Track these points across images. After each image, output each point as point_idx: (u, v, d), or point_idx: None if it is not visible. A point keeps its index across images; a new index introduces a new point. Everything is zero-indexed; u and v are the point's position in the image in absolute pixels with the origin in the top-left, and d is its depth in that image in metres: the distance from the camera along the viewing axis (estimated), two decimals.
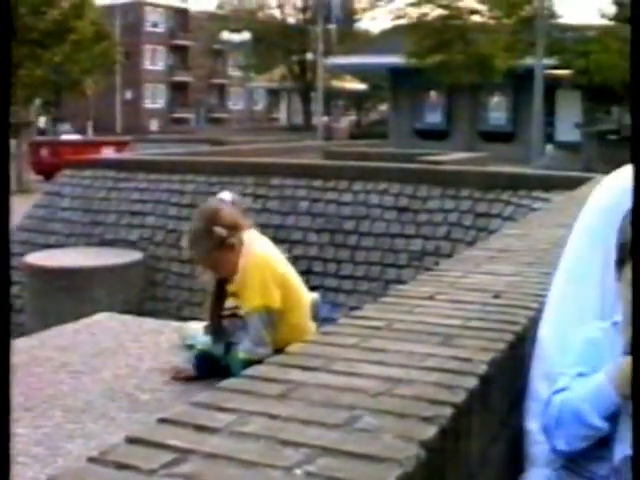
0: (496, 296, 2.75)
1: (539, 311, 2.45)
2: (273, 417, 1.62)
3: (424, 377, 1.87)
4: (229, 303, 4.60)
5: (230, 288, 4.58)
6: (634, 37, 1.32)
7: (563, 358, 2.14)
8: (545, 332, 2.32)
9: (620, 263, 2.03)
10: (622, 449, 1.90)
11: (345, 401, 1.71)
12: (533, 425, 2.24)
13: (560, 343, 2.23)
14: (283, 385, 1.80)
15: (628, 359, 1.88)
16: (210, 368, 4.42)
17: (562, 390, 1.97)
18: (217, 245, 4.47)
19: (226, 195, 4.67)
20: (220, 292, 4.62)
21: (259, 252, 4.53)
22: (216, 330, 4.63)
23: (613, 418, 1.90)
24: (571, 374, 1.99)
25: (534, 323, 2.41)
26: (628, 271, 1.97)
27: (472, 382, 1.88)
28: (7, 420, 1.03)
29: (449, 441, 1.68)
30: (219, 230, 4.44)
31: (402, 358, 2.00)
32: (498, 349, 2.15)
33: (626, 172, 2.31)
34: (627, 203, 2.14)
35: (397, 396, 1.75)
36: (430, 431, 1.58)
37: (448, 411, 1.69)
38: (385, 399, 1.73)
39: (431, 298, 2.67)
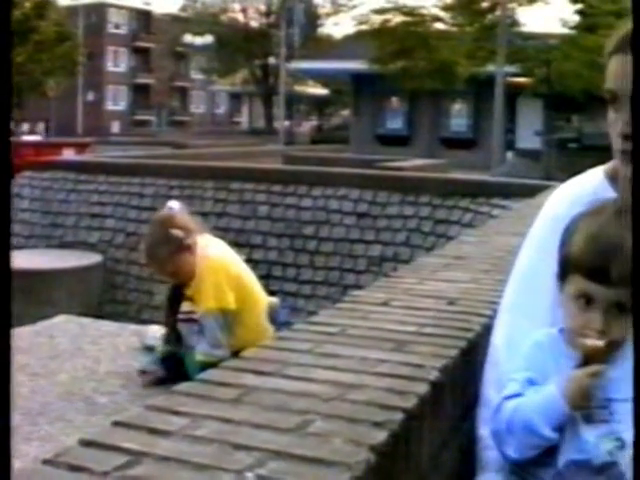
0: (450, 303, 2.78)
1: (493, 318, 2.46)
2: (226, 421, 1.64)
3: (376, 383, 1.90)
4: (185, 307, 4.63)
5: (187, 292, 4.61)
6: (634, 38, 1.34)
7: (512, 363, 2.17)
8: (497, 339, 2.34)
9: (562, 277, 2.05)
10: (566, 455, 1.94)
11: (298, 406, 1.73)
12: (485, 431, 2.27)
13: (511, 350, 2.26)
14: (237, 389, 1.82)
15: (578, 372, 1.92)
16: (176, 369, 4.44)
17: (513, 396, 1.98)
18: (176, 248, 4.50)
19: (174, 204, 4.74)
20: (175, 298, 4.65)
21: (213, 255, 4.58)
22: (172, 337, 4.65)
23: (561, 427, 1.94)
24: (520, 380, 2.00)
25: (487, 330, 2.43)
26: (570, 286, 2.01)
27: (423, 388, 1.91)
28: (7, 420, 1.04)
29: (400, 446, 1.71)
30: (176, 232, 4.49)
31: (355, 364, 2.03)
32: (450, 355, 2.18)
33: (580, 181, 2.35)
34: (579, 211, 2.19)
35: (349, 401, 1.77)
36: (380, 436, 1.61)
37: (399, 416, 1.71)
38: (337, 404, 1.75)
39: (386, 304, 2.69)
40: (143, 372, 4.57)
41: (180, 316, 4.64)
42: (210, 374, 1.94)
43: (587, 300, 1.96)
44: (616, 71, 2.13)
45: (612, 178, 2.26)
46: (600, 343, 1.91)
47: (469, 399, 2.36)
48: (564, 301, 2.04)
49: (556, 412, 1.90)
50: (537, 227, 2.37)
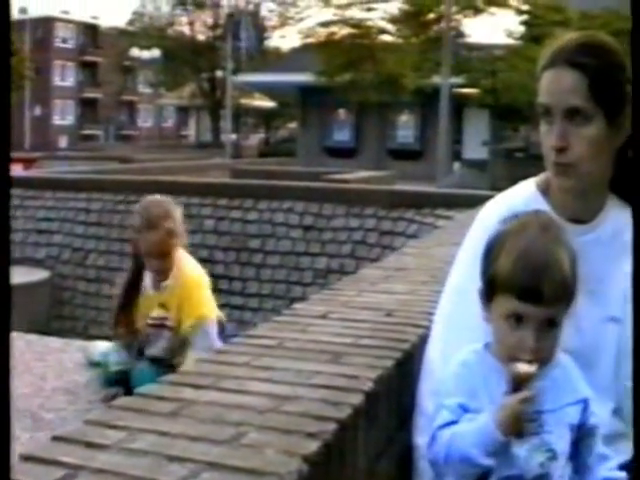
0: (388, 314, 2.82)
1: (429, 329, 2.49)
2: (162, 434, 1.67)
3: (311, 394, 1.93)
4: (157, 313, 4.63)
5: (159, 298, 4.61)
6: (634, 39, 1.37)
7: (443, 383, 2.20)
8: (431, 350, 2.38)
9: (489, 296, 2.06)
10: (498, 473, 1.97)
11: (232, 418, 1.76)
12: (422, 440, 2.30)
13: (446, 361, 2.29)
14: (174, 403, 1.85)
15: (509, 400, 1.92)
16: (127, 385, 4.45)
17: (446, 425, 1.99)
18: (175, 232, 4.60)
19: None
20: (134, 291, 4.67)
21: (198, 272, 4.66)
22: (128, 342, 4.64)
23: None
24: (452, 407, 2.01)
25: (424, 340, 2.46)
26: (499, 306, 2.02)
27: (358, 398, 1.94)
28: (7, 420, 1.06)
29: (333, 456, 1.74)
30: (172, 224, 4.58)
31: (291, 376, 2.06)
32: (385, 366, 2.22)
33: (512, 193, 2.40)
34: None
35: (283, 413, 1.81)
36: (313, 446, 1.64)
37: (332, 427, 1.75)
38: (272, 416, 1.79)
39: (324, 317, 2.72)
40: (111, 398, 4.51)
41: (150, 321, 4.64)
42: (148, 388, 1.97)
43: (517, 319, 1.98)
44: (548, 85, 2.19)
45: (544, 190, 2.32)
46: (532, 369, 1.92)
47: (405, 409, 2.39)
48: (492, 319, 2.06)
49: (491, 441, 1.91)
50: (470, 239, 2.40)
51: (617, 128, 2.19)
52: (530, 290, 1.95)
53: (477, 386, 2.03)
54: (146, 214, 4.71)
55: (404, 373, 2.37)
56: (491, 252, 2.07)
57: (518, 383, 1.92)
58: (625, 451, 2.28)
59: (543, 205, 2.28)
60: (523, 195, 2.34)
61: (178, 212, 4.78)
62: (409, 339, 2.51)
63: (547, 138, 2.20)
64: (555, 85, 2.17)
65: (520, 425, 1.91)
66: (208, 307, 4.66)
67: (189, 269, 4.71)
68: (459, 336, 2.28)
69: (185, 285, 4.60)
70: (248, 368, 2.12)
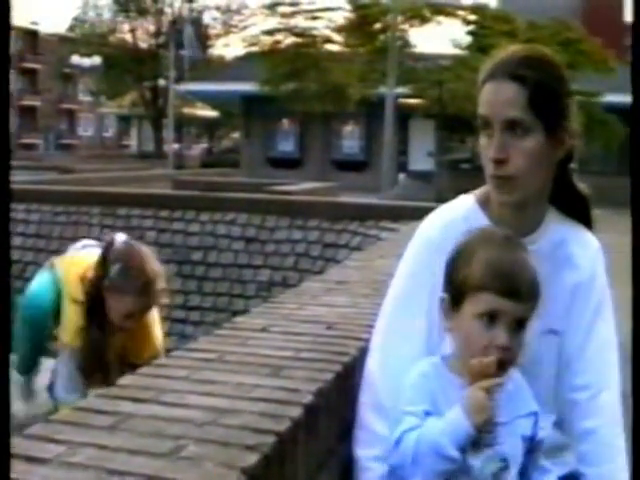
0: (329, 327, 2.84)
1: (370, 342, 2.51)
2: (102, 447, 1.68)
3: (250, 407, 1.94)
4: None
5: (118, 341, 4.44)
6: (635, 41, 1.38)
7: (394, 391, 2.21)
8: (371, 363, 2.39)
9: (457, 301, 2.11)
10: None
11: (172, 431, 1.77)
12: (363, 452, 2.31)
13: (386, 373, 2.31)
14: (113, 417, 1.85)
15: (474, 388, 1.99)
16: None
17: (413, 429, 2.03)
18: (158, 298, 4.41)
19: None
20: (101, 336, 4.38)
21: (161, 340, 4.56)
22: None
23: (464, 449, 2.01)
24: (417, 412, 2.04)
25: (364, 353, 2.48)
26: (474, 306, 2.07)
27: (297, 411, 1.96)
28: (7, 421, 1.06)
29: (272, 468, 1.75)
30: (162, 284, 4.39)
31: (230, 389, 2.08)
32: (325, 379, 2.23)
33: (451, 206, 2.42)
34: (452, 236, 2.27)
35: (222, 426, 1.82)
36: (252, 459, 1.66)
37: (271, 439, 1.77)
38: (211, 429, 1.80)
39: (264, 330, 2.74)
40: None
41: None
42: (87, 402, 1.98)
43: (491, 317, 2.04)
44: (488, 97, 2.22)
45: (483, 203, 2.35)
46: (492, 358, 1.99)
47: (346, 421, 2.41)
48: (457, 326, 2.11)
49: (461, 430, 1.96)
50: (410, 251, 2.42)
51: (556, 141, 2.22)
52: (510, 285, 2.03)
53: (438, 398, 2.06)
54: (143, 277, 4.25)
55: (344, 386, 2.39)
56: (457, 262, 2.13)
57: (477, 376, 2.00)
58: (566, 463, 2.32)
59: (482, 218, 2.31)
60: (462, 208, 2.36)
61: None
62: (349, 352, 2.53)
63: (486, 150, 2.22)
64: (494, 97, 2.20)
65: (487, 413, 1.98)
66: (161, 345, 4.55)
67: (158, 338, 4.58)
68: (398, 347, 2.30)
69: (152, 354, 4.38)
70: (188, 381, 2.13)
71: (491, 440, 2.02)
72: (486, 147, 2.22)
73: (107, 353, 4.36)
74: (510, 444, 2.05)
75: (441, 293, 2.17)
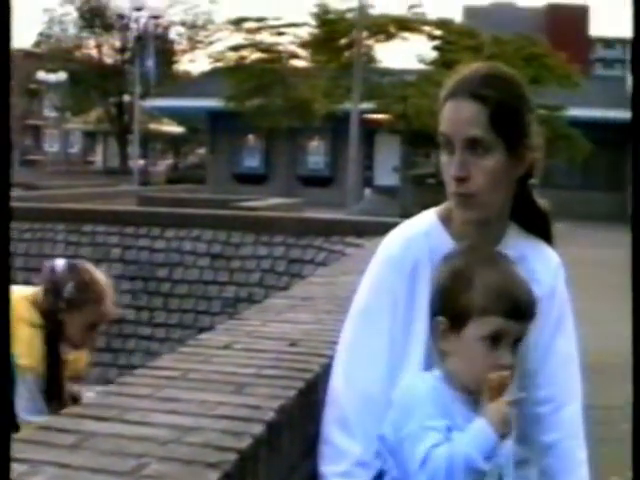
0: (292, 344, 2.85)
1: (333, 358, 2.52)
2: (64, 466, 1.68)
3: (213, 425, 1.95)
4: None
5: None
6: (635, 38, 1.38)
7: (359, 408, 2.24)
8: (335, 379, 2.40)
9: (459, 324, 2.12)
10: None
11: (135, 450, 1.78)
12: (327, 468, 2.32)
13: (350, 390, 2.32)
14: (76, 435, 1.86)
15: (497, 403, 2.01)
16: None
17: (439, 444, 2.02)
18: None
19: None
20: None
21: None
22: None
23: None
24: (440, 428, 2.04)
25: (328, 370, 2.49)
26: (479, 329, 2.09)
27: (259, 428, 1.97)
28: (7, 421, 1.06)
29: None
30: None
31: (194, 407, 2.08)
32: (288, 396, 2.25)
33: (413, 223, 2.44)
34: (414, 253, 2.29)
35: (185, 444, 1.83)
36: (213, 476, 1.67)
37: (233, 457, 1.78)
38: (174, 447, 1.81)
39: (228, 347, 2.74)
40: None
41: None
42: (50, 421, 1.98)
43: (495, 339, 2.07)
44: (449, 115, 2.23)
45: (445, 220, 2.36)
46: (507, 374, 2.05)
47: (310, 438, 2.42)
48: (463, 345, 2.12)
49: (490, 442, 1.98)
50: (372, 268, 2.43)
51: (517, 159, 2.24)
52: (514, 307, 2.08)
53: (451, 410, 2.08)
54: (97, 286, 4.23)
55: (308, 403, 2.40)
56: (454, 286, 2.15)
57: (497, 391, 2.02)
58: (528, 477, 2.35)
59: (444, 235, 2.32)
60: (423, 225, 2.37)
61: None
62: (312, 369, 2.54)
63: (448, 168, 2.24)
64: (455, 115, 2.22)
65: (508, 425, 2.02)
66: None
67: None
68: (362, 364, 2.31)
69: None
70: (151, 400, 2.14)
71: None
72: (447, 164, 2.24)
73: (63, 377, 4.39)
74: (504, 457, 2.09)
75: (437, 316, 2.17)
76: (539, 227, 2.44)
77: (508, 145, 2.22)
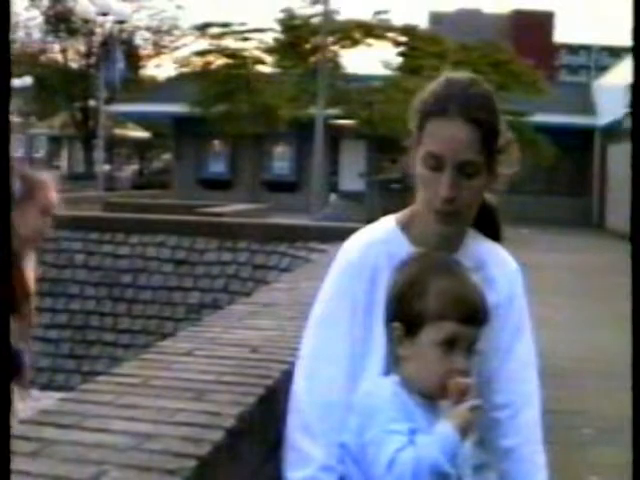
0: (253, 351, 2.87)
1: (294, 364, 2.50)
2: (24, 474, 1.69)
3: (173, 432, 1.97)
4: None
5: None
6: (635, 38, 1.38)
7: (322, 413, 2.24)
8: (297, 385, 2.40)
9: (414, 330, 2.14)
10: None
11: (94, 457, 1.79)
12: (293, 474, 2.32)
13: (313, 395, 2.32)
14: (36, 443, 1.87)
15: (460, 408, 2.03)
16: None
17: (404, 448, 2.02)
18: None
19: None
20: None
21: None
22: None
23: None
24: (404, 431, 2.05)
25: (289, 376, 2.50)
26: (433, 335, 2.11)
27: (218, 435, 1.99)
28: (7, 421, 1.07)
29: None
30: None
31: (154, 414, 2.10)
32: (248, 402, 2.27)
33: (372, 229, 2.45)
34: (373, 259, 2.31)
35: (145, 451, 1.84)
36: None
37: (192, 463, 1.80)
38: (133, 454, 1.82)
39: (189, 354, 2.76)
40: None
41: None
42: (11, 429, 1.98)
43: (450, 343, 2.09)
44: (442, 136, 2.22)
45: (404, 226, 2.38)
46: (470, 380, 2.08)
47: (270, 444, 2.44)
48: (419, 351, 2.14)
49: (454, 445, 2.00)
50: (332, 274, 2.44)
51: (494, 175, 2.30)
52: (469, 312, 2.11)
53: (414, 414, 2.10)
54: (38, 176, 4.61)
55: (268, 409, 2.42)
56: (409, 293, 2.17)
57: (459, 395, 2.05)
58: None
59: (403, 241, 2.33)
60: (382, 231, 2.38)
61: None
62: (273, 375, 2.56)
63: (431, 183, 2.23)
64: (450, 137, 2.20)
65: (472, 429, 2.06)
66: None
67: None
68: (323, 370, 2.31)
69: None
70: (112, 407, 2.15)
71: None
72: (431, 180, 2.23)
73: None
74: (461, 458, 2.11)
75: (393, 322, 2.19)
76: (488, 223, 2.46)
77: (490, 165, 2.26)
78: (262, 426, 2.39)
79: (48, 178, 4.62)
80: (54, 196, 4.56)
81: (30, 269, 4.57)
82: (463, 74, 2.39)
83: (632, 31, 1.47)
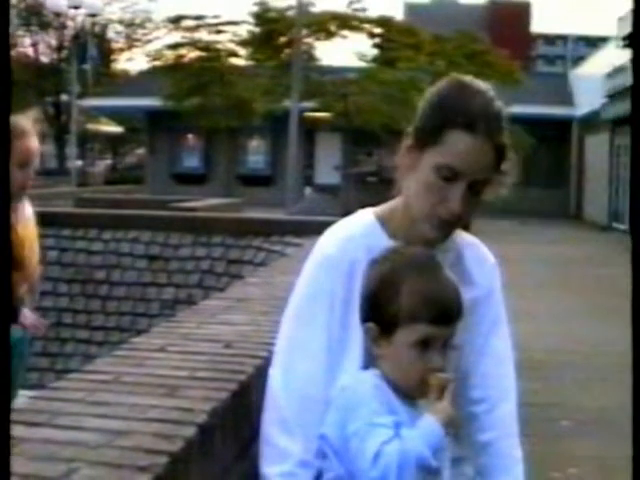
0: (227, 346, 2.85)
1: (268, 359, 2.52)
2: None
3: (144, 428, 1.96)
4: None
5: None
6: (635, 37, 1.37)
7: (299, 408, 2.24)
8: (274, 380, 2.38)
9: (389, 331, 2.14)
10: None
11: (65, 454, 1.78)
12: (270, 469, 2.31)
13: (289, 390, 2.31)
14: None
15: (443, 404, 2.04)
16: None
17: (390, 441, 2.02)
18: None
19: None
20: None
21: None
22: None
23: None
24: (388, 424, 2.05)
25: (262, 371, 2.50)
26: (408, 335, 2.10)
27: (190, 431, 1.98)
28: (7, 420, 1.05)
29: None
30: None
31: (126, 410, 2.09)
32: (221, 398, 2.26)
33: (350, 222, 2.44)
34: (351, 253, 2.30)
35: (116, 447, 1.84)
36: None
37: (164, 460, 1.79)
38: (105, 451, 1.81)
39: (162, 350, 2.75)
40: None
41: None
42: None
43: (424, 343, 2.09)
44: (467, 152, 2.20)
45: (383, 220, 2.37)
46: (449, 376, 2.09)
47: (243, 440, 2.43)
48: (394, 351, 2.13)
49: (439, 439, 2.00)
50: (308, 268, 2.43)
51: (491, 190, 2.32)
52: (442, 313, 2.10)
53: (396, 407, 2.10)
54: (18, 123, 4.46)
55: (241, 404, 2.42)
56: (383, 293, 2.16)
57: (440, 391, 2.06)
58: (465, 475, 2.37)
59: (381, 235, 2.33)
60: (360, 225, 2.37)
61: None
62: (246, 370, 2.55)
63: (439, 192, 2.21)
64: (474, 158, 2.20)
65: (455, 424, 2.08)
66: None
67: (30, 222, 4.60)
68: (300, 364, 2.30)
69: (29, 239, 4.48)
70: (83, 404, 2.14)
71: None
72: (440, 190, 2.21)
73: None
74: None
75: (367, 322, 2.18)
76: None
77: (491, 182, 2.28)
78: (235, 422, 2.39)
79: (27, 124, 4.44)
80: (35, 144, 4.41)
81: (23, 223, 4.45)
82: (474, 81, 2.38)
83: (632, 31, 1.47)
